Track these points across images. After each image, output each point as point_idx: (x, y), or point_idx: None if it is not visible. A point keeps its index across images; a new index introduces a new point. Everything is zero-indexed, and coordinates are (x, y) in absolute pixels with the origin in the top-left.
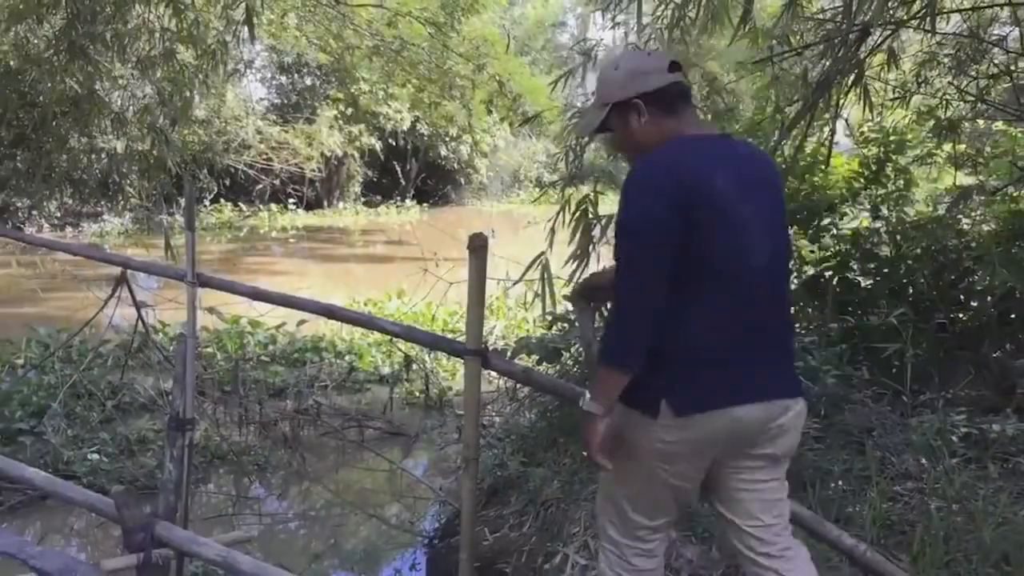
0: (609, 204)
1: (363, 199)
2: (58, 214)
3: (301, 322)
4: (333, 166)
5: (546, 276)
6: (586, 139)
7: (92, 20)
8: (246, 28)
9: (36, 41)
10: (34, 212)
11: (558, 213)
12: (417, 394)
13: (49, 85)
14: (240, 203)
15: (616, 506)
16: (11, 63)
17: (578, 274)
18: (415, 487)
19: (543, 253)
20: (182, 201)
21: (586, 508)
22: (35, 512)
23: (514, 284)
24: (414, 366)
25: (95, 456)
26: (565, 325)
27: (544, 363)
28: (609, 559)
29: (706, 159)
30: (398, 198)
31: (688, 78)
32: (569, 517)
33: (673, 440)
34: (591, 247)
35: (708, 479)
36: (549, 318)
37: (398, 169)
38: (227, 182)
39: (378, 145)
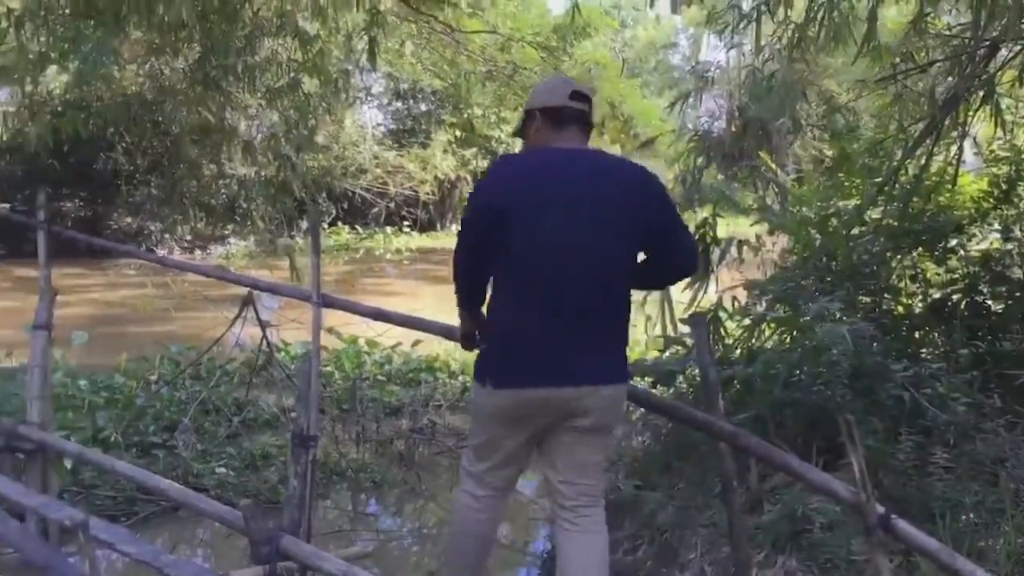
0: (727, 227)
1: None
2: (188, 238)
3: (416, 342)
4: (446, 189)
5: (665, 299)
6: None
7: (224, 53)
8: (366, 57)
9: (169, 73)
10: (166, 236)
11: None
12: None
13: (184, 114)
14: (356, 226)
15: (470, 452)
16: (147, 94)
17: (698, 298)
18: (527, 507)
19: None
20: (304, 224)
21: (702, 534)
22: (166, 523)
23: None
24: None
25: (222, 470)
26: (680, 348)
27: (658, 385)
28: (464, 485)
29: (535, 169)
30: None
31: (593, 109)
32: (684, 543)
33: (492, 405)
34: (710, 270)
35: (541, 442)
36: (664, 340)
37: None
38: (344, 205)
39: None
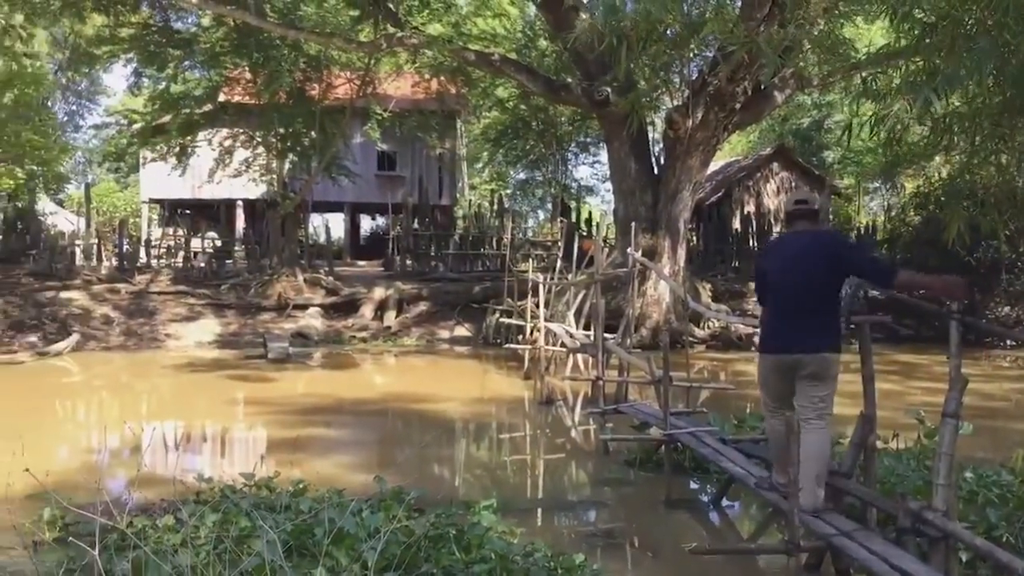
0: None
1: None
2: None
3: None
4: None
5: None
6: None
7: None
8: None
9: None
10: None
11: None
12: None
13: None
14: None
15: (762, 397)
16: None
17: None
18: None
19: None
20: None
21: None
22: None
23: None
24: None
25: None
26: None
27: None
28: (766, 414)
29: (778, 244)
30: None
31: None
32: None
33: (763, 364)
34: None
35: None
36: None
37: None
38: None
39: None
